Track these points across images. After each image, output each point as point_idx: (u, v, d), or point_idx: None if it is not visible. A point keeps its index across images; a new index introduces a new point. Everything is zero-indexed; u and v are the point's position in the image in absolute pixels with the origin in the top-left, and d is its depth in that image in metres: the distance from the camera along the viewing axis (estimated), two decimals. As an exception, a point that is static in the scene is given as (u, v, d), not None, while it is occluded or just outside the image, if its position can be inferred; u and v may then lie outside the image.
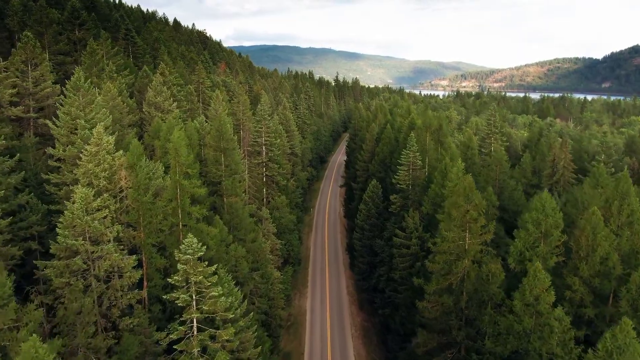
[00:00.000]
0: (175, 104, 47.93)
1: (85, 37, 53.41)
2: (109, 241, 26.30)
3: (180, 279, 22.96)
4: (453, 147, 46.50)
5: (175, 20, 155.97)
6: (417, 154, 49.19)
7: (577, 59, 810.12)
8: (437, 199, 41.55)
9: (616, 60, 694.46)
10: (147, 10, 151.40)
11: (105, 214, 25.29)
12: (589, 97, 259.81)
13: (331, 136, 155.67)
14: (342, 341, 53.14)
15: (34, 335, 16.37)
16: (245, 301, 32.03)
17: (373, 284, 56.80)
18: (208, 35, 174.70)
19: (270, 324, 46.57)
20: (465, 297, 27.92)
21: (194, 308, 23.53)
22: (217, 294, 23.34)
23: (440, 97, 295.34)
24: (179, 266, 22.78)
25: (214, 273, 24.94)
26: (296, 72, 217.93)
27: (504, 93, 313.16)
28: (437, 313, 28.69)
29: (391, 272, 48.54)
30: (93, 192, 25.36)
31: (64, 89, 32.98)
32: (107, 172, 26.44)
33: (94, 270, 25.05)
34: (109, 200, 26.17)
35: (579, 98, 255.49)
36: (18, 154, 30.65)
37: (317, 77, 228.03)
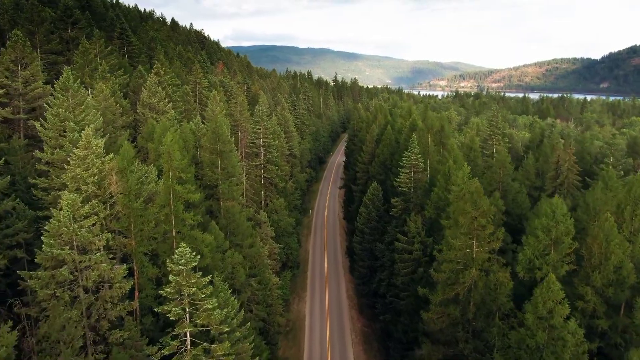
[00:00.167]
0: (170, 104, 46.60)
1: (78, 36, 52.03)
2: (99, 250, 24.97)
3: (172, 290, 21.66)
4: (456, 149, 45.27)
5: (172, 20, 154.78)
6: (419, 156, 47.96)
7: (575, 59, 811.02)
8: (440, 203, 40.33)
9: (614, 61, 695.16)
10: (144, 9, 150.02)
11: (93, 221, 23.96)
12: (588, 98, 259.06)
13: (330, 137, 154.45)
14: (342, 347, 51.86)
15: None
16: (242, 311, 30.74)
17: (373, 288, 55.53)
18: (206, 35, 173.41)
19: (269, 331, 45.28)
20: (473, 308, 26.67)
21: (187, 321, 22.24)
22: (211, 306, 22.04)
23: (439, 97, 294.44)
24: (171, 277, 21.48)
25: (209, 283, 23.67)
26: (295, 73, 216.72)
27: (502, 93, 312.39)
28: (443, 324, 27.44)
29: (392, 277, 47.30)
30: (81, 198, 24.03)
31: (54, 89, 31.60)
32: (96, 177, 25.10)
33: (81, 280, 23.71)
34: (98, 206, 24.85)
35: (578, 98, 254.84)
36: (5, 157, 29.32)
37: (315, 77, 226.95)
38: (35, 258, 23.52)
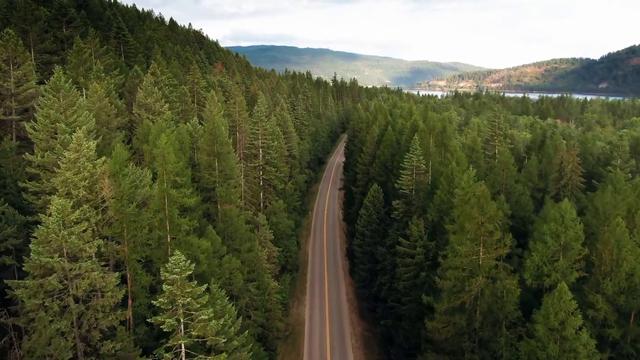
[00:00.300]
0: (167, 105, 45.58)
1: (73, 35, 50.97)
2: (90, 257, 23.97)
3: (165, 301, 20.65)
4: (459, 150, 44.30)
5: (171, 19, 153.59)
6: (421, 157, 47.00)
7: (574, 59, 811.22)
8: (443, 206, 39.39)
9: (613, 61, 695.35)
10: (143, 9, 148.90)
11: (84, 228, 22.94)
12: (587, 98, 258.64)
13: (329, 137, 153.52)
14: (342, 352, 50.86)
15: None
16: (240, 318, 29.74)
17: (374, 292, 54.56)
18: (205, 35, 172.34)
19: (267, 337, 44.30)
20: (479, 317, 25.68)
21: (182, 333, 21.23)
22: (207, 317, 21.03)
23: (439, 97, 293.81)
24: (165, 287, 20.47)
25: (206, 291, 22.68)
26: (294, 73, 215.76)
27: (502, 93, 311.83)
28: (448, 334, 26.45)
29: (393, 281, 46.34)
30: (71, 203, 23.01)
31: (45, 90, 30.54)
32: (88, 181, 24.08)
33: (72, 289, 22.69)
34: (89, 212, 23.82)
35: (577, 99, 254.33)
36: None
37: (314, 77, 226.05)
38: (24, 266, 22.52)
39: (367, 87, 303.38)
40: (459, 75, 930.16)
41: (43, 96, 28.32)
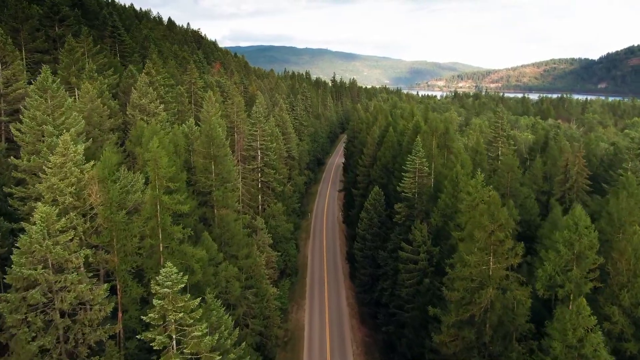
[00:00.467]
0: (162, 106, 44.18)
1: (65, 33, 49.51)
2: (79, 267, 22.60)
3: (156, 316, 19.28)
4: (463, 152, 42.98)
5: (169, 19, 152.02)
6: (424, 160, 45.69)
7: (573, 59, 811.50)
8: (447, 210, 38.09)
9: (612, 61, 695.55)
10: (140, 9, 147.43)
11: (71, 237, 21.57)
12: (587, 98, 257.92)
13: (328, 137, 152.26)
14: (342, 359, 49.53)
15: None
16: (237, 329, 28.39)
17: (375, 297, 53.23)
18: (203, 34, 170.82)
19: (266, 345, 42.97)
20: (489, 331, 24.35)
21: (174, 350, 19.87)
22: (200, 332, 19.67)
23: (438, 97, 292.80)
24: (155, 302, 19.10)
25: (199, 304, 21.32)
26: (293, 73, 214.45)
27: (501, 94, 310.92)
28: (456, 348, 25.11)
29: (395, 286, 45.02)
30: (57, 210, 21.64)
31: (31, 90, 29.14)
32: (75, 187, 22.70)
33: (57, 303, 21.32)
34: (76, 219, 22.45)
35: (578, 99, 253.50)
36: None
37: (313, 77, 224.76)
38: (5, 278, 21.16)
39: (366, 87, 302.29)
40: (458, 76, 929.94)
41: (28, 97, 26.91)
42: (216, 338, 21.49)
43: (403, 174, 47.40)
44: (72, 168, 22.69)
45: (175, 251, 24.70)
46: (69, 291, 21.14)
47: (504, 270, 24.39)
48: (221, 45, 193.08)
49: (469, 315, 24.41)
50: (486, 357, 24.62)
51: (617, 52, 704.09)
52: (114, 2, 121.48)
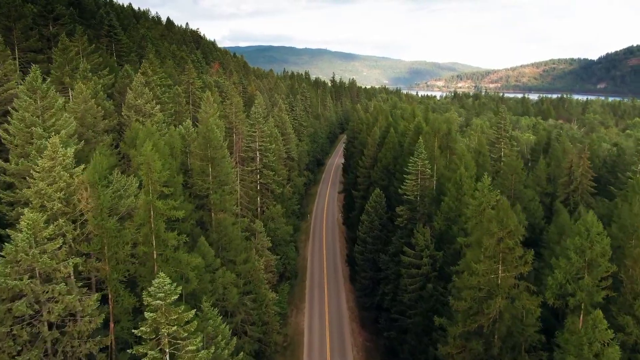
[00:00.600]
0: (158, 106, 43.11)
1: (60, 32, 48.41)
2: (69, 275, 21.56)
3: (148, 330, 18.23)
4: (467, 154, 41.97)
5: (168, 19, 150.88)
6: (426, 161, 44.68)
7: (572, 59, 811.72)
8: (451, 214, 37.12)
9: (611, 61, 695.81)
10: (139, 8, 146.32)
11: (59, 245, 20.51)
12: (586, 98, 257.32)
13: (328, 138, 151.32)
14: (343, 365, 48.52)
15: None
16: (234, 339, 27.38)
17: (377, 301, 52.21)
18: (202, 34, 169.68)
19: (265, 352, 41.94)
20: (498, 342, 23.35)
21: (167, 365, 18.84)
22: (195, 347, 18.63)
23: (438, 98, 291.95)
24: (147, 315, 18.06)
25: (194, 316, 20.29)
26: (292, 73, 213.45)
27: (501, 94, 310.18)
28: (463, 360, 24.15)
29: (397, 291, 44.00)
30: (45, 217, 20.59)
31: (20, 90, 28.06)
32: (64, 192, 21.64)
33: (44, 314, 20.26)
34: (65, 226, 21.38)
35: (578, 99, 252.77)
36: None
37: (313, 77, 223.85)
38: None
39: (365, 87, 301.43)
40: (457, 76, 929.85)
41: (19, 98, 25.86)
42: (212, 351, 20.48)
43: (405, 176, 46.39)
44: (61, 172, 21.63)
45: (169, 259, 23.65)
46: (56, 302, 20.09)
47: (513, 279, 23.39)
48: (220, 45, 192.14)
49: (477, 325, 23.40)
50: (494, 370, 23.66)
51: (616, 52, 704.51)
52: (112, 1, 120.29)
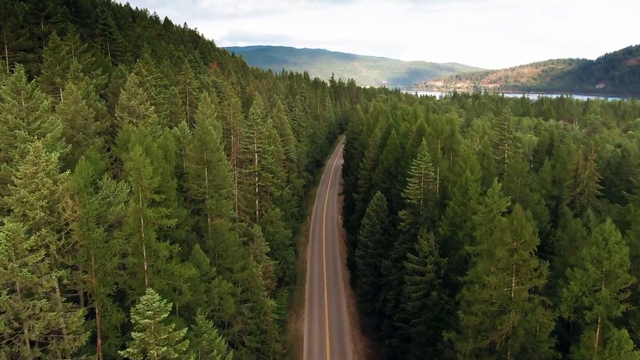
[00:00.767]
0: (152, 107, 41.67)
1: (51, 31, 46.96)
2: (54, 289, 20.13)
3: (135, 351, 16.82)
4: (472, 157, 40.61)
5: (166, 18, 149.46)
6: (430, 164, 43.32)
7: (571, 60, 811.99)
8: (456, 219, 35.77)
9: (610, 62, 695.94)
10: (137, 8, 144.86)
11: (41, 257, 19.08)
12: (585, 98, 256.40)
13: (327, 138, 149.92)
14: (344, 373, 47.16)
15: None
16: (231, 352, 26.00)
17: (378, 307, 50.83)
18: (200, 34, 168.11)
19: (263, 362, 40.54)
20: (511, 359, 21.98)
21: (156, 389, 17.42)
22: (187, 369, 17.22)
23: (437, 98, 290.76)
24: (134, 335, 16.65)
25: (187, 335, 18.89)
26: (291, 73, 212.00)
27: (500, 94, 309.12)
28: (474, 378, 22.77)
29: (400, 297, 42.62)
30: (26, 227, 19.17)
31: (3, 91, 26.57)
32: (47, 200, 20.21)
33: (25, 332, 18.83)
34: (48, 236, 19.95)
35: (578, 99, 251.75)
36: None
37: (312, 77, 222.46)
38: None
39: (364, 87, 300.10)
40: (456, 76, 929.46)
41: (2, 99, 24.43)
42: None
43: (407, 179, 45.01)
44: (45, 179, 20.20)
45: (161, 270, 22.23)
46: (38, 319, 18.66)
47: (527, 293, 22.02)
48: (219, 45, 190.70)
49: (490, 342, 22.03)
50: (507, 389, 22.26)
51: (615, 52, 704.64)
52: (109, 0, 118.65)
